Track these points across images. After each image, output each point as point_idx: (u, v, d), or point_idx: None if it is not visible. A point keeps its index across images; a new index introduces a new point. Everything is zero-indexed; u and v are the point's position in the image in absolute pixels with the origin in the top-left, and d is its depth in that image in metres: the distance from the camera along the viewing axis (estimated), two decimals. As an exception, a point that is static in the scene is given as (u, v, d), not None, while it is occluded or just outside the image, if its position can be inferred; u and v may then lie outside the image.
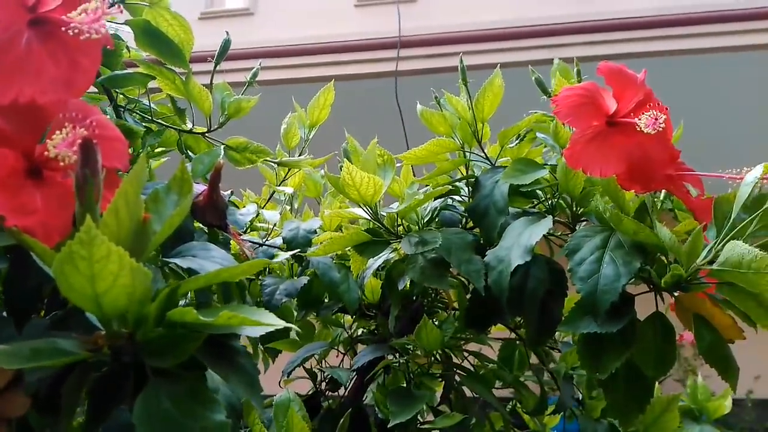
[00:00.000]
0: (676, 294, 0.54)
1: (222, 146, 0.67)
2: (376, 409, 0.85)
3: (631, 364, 0.56)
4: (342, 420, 0.66)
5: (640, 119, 0.51)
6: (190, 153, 0.70)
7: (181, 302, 0.51)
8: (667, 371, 0.54)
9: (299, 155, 0.92)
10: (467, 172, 0.78)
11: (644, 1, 3.05)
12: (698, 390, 1.07)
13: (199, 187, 0.53)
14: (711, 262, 0.49)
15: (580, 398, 0.92)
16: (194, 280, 0.41)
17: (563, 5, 3.12)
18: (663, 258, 0.54)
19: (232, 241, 0.86)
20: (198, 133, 0.68)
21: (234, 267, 0.41)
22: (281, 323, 0.39)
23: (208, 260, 0.49)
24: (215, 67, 0.66)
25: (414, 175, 0.84)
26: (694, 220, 0.57)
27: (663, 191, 0.66)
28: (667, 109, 0.56)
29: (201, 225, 0.57)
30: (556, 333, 0.97)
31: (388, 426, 0.71)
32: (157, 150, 0.71)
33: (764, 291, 0.45)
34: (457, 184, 0.77)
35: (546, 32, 3.04)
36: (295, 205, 1.10)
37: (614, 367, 0.54)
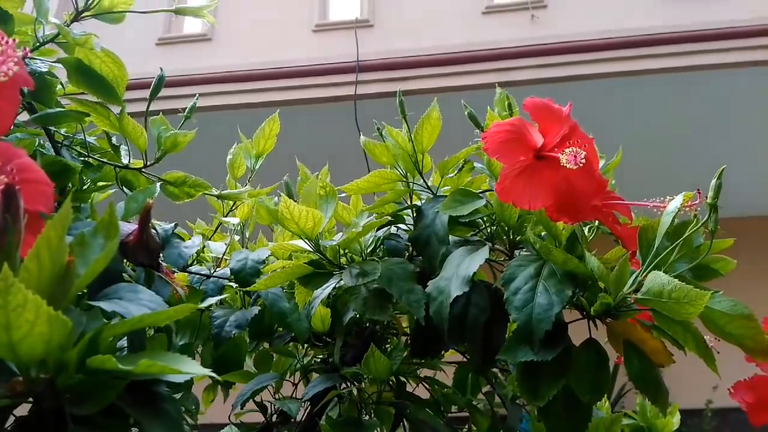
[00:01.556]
0: (607, 321, 0.56)
1: (158, 182, 0.67)
2: (325, 440, 0.84)
3: (568, 391, 0.57)
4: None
5: (562, 155, 0.53)
6: (126, 189, 0.69)
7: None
8: (601, 397, 0.55)
9: (246, 185, 0.91)
10: (411, 202, 0.79)
11: (589, 25, 3.15)
12: (647, 408, 1.09)
13: (130, 227, 0.53)
14: (636, 291, 0.51)
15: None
16: (118, 325, 0.40)
17: (514, 29, 3.20)
18: (593, 285, 0.56)
19: (177, 276, 0.85)
20: (135, 169, 0.67)
21: (158, 312, 0.41)
22: (202, 371, 0.38)
23: (135, 303, 0.48)
24: (149, 102, 0.66)
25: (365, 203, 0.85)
26: (621, 248, 0.59)
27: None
28: (592, 140, 0.58)
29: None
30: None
31: (335, 458, 0.71)
32: (99, 184, 0.70)
33: (685, 318, 0.47)
34: (401, 213, 0.78)
35: (497, 56, 3.11)
36: (247, 234, 1.09)
37: (551, 395, 0.55)
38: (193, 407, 1.16)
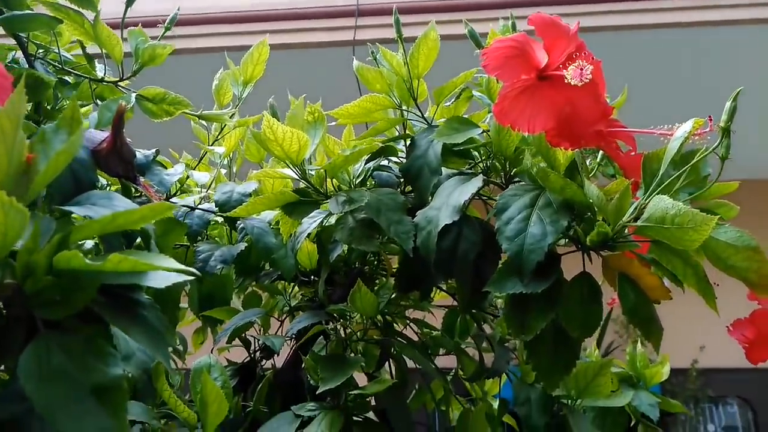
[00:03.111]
0: (603, 253, 0.53)
1: (132, 93, 0.63)
2: (308, 375, 0.82)
3: (557, 327, 0.55)
4: (260, 385, 0.63)
5: (567, 70, 0.49)
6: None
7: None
8: (592, 333, 0.53)
9: (232, 114, 0.87)
10: (405, 131, 0.75)
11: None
12: (637, 357, 1.08)
13: (102, 134, 0.49)
14: (636, 219, 0.48)
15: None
16: (87, 225, 0.37)
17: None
18: (592, 217, 0.53)
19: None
20: (111, 82, 0.63)
21: (131, 211, 0.38)
22: (178, 266, 0.36)
23: (108, 208, 0.45)
24: (126, 9, 0.61)
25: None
26: (624, 178, 0.55)
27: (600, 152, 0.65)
28: (599, 62, 0.54)
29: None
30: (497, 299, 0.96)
31: (317, 392, 0.69)
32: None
33: (688, 247, 0.44)
34: (393, 144, 0.74)
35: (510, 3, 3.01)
36: (234, 169, 1.05)
37: (539, 328, 0.53)
38: (181, 348, 1.14)
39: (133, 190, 0.58)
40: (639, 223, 0.46)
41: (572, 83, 0.48)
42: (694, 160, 0.47)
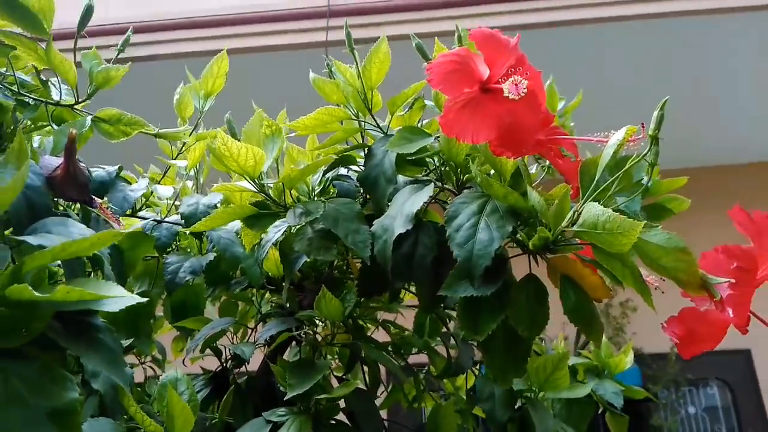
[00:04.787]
0: (547, 256, 0.56)
1: (88, 117, 0.64)
2: (277, 381, 0.84)
3: (508, 326, 0.57)
4: (225, 397, 0.65)
5: (504, 85, 0.51)
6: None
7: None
8: (540, 331, 0.56)
9: (195, 126, 0.88)
10: (363, 141, 0.77)
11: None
12: (602, 348, 1.11)
13: (56, 160, 0.50)
14: (574, 224, 0.50)
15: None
16: (39, 255, 0.38)
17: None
18: (535, 222, 0.55)
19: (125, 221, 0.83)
20: (66, 106, 0.64)
21: (81, 240, 0.39)
22: (125, 294, 0.37)
23: (63, 236, 0.46)
24: (77, 34, 0.62)
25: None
26: (566, 183, 0.58)
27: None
28: (539, 73, 0.56)
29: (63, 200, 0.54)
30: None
31: (285, 398, 0.71)
32: (29, 126, 0.67)
33: (619, 250, 0.47)
34: (353, 153, 0.76)
35: (475, 1, 3.04)
36: (201, 180, 1.07)
37: (491, 329, 0.55)
38: (160, 357, 1.15)
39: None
40: (575, 228, 0.48)
41: (510, 98, 0.51)
42: (626, 167, 0.49)
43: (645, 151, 0.49)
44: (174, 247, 0.98)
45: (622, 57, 3.32)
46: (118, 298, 0.36)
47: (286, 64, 3.31)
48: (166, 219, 0.94)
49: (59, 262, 0.59)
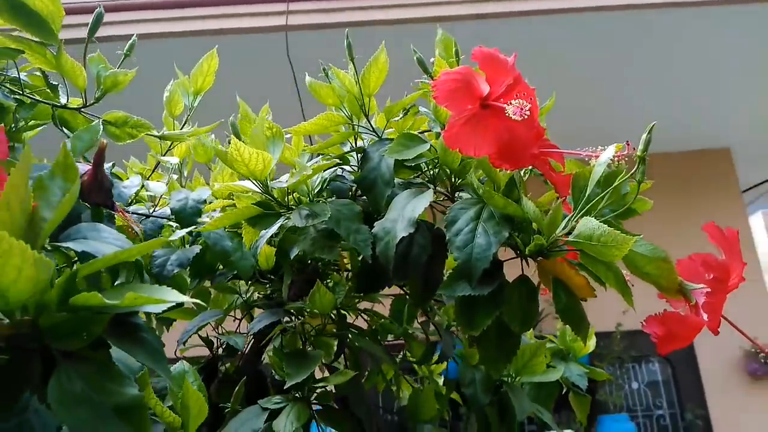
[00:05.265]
0: (539, 259, 0.61)
1: (100, 121, 0.65)
2: (273, 370, 0.88)
3: (500, 322, 0.62)
4: (237, 387, 0.68)
5: (509, 106, 0.56)
6: (65, 129, 0.67)
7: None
8: (530, 327, 0.61)
9: (184, 123, 0.90)
10: (356, 143, 0.81)
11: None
12: (566, 333, 1.19)
13: (83, 167, 0.52)
14: (569, 233, 0.56)
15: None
16: (93, 263, 0.41)
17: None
18: (529, 228, 0.61)
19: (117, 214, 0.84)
20: (74, 108, 0.65)
21: (131, 249, 0.42)
22: (185, 299, 0.41)
23: (100, 241, 0.49)
24: (88, 39, 0.63)
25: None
26: (554, 192, 0.63)
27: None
28: (533, 90, 0.61)
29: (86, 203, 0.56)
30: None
31: (285, 387, 0.75)
32: (30, 123, 0.68)
33: (611, 260, 0.53)
34: (346, 155, 0.80)
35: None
36: (185, 173, 1.08)
37: (485, 325, 0.60)
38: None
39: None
40: (570, 238, 0.54)
41: (513, 119, 0.55)
42: (615, 183, 0.55)
43: (633, 170, 0.55)
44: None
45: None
46: (173, 302, 0.39)
47: (246, 46, 3.27)
48: (154, 213, 0.95)
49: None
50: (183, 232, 0.66)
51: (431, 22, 2.96)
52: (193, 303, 1.15)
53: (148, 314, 1.02)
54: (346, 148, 0.82)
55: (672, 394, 4.90)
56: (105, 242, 0.47)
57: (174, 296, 0.39)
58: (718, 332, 0.50)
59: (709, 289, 0.50)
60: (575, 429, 4.37)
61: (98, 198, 0.53)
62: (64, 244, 0.46)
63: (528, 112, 0.55)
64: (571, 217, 0.56)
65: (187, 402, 0.60)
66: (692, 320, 0.51)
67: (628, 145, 0.56)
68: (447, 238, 0.61)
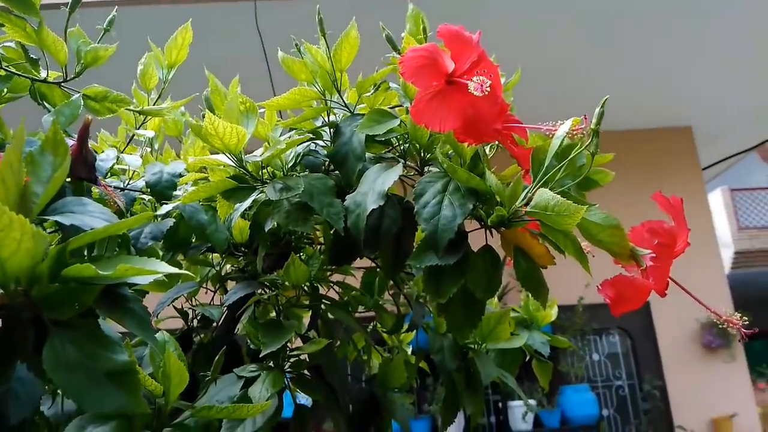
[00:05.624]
0: (501, 230, 0.65)
1: (80, 95, 0.66)
2: (248, 340, 0.91)
3: (465, 290, 0.66)
4: (217, 357, 0.71)
5: (471, 82, 0.59)
6: (45, 103, 0.68)
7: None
8: (494, 294, 0.65)
9: (158, 97, 0.91)
10: (328, 118, 0.83)
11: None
12: (530, 303, 1.24)
13: (68, 142, 0.54)
14: (527, 204, 0.59)
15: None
16: (83, 236, 0.43)
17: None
18: (492, 200, 0.64)
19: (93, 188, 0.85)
20: (55, 83, 0.66)
21: (120, 223, 0.44)
22: (174, 270, 0.43)
23: (87, 215, 0.50)
24: (69, 17, 0.64)
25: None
26: (517, 166, 0.67)
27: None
28: (497, 67, 0.64)
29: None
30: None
31: (260, 356, 0.78)
32: (6, 95, 0.68)
33: (565, 228, 0.56)
34: (319, 129, 0.82)
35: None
36: (156, 146, 1.08)
37: (452, 293, 0.64)
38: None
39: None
40: (528, 208, 0.57)
41: (475, 94, 0.58)
42: (571, 156, 0.58)
43: (587, 142, 0.58)
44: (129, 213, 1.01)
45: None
46: (163, 273, 0.41)
47: (216, 15, 3.23)
48: (128, 186, 0.96)
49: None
50: (169, 207, 0.68)
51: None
52: (167, 275, 1.17)
53: (138, 292, 1.04)
54: (319, 123, 0.84)
55: (631, 366, 5.09)
56: (92, 216, 0.49)
57: (164, 268, 0.41)
58: (665, 294, 0.54)
59: (655, 254, 0.54)
60: (537, 399, 4.51)
61: (82, 172, 0.54)
62: (52, 217, 0.47)
63: (489, 89, 0.58)
64: (530, 188, 0.60)
65: (168, 370, 0.62)
66: (642, 283, 0.55)
67: (585, 119, 0.60)
68: (415, 210, 0.64)
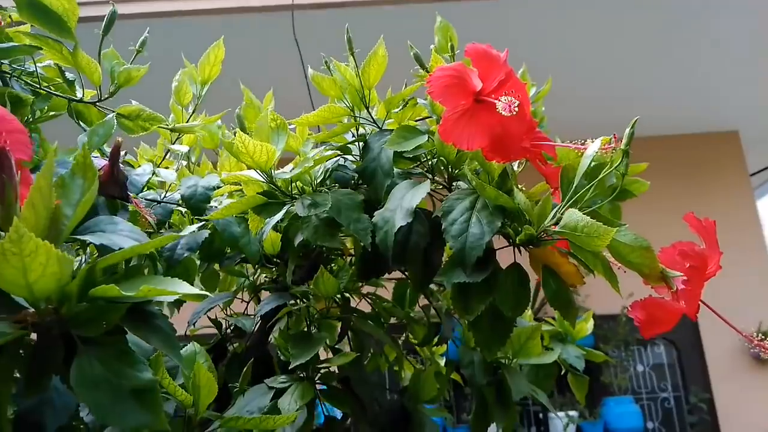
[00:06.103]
0: (530, 248, 0.64)
1: (114, 115, 0.68)
2: (278, 351, 0.92)
3: (493, 307, 0.66)
4: (245, 368, 0.72)
5: (499, 101, 0.58)
6: (81, 122, 0.70)
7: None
8: (522, 312, 0.64)
9: (192, 112, 0.93)
10: (357, 134, 0.83)
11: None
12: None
13: (99, 162, 0.56)
14: (556, 223, 0.59)
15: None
16: (111, 257, 0.44)
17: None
18: (520, 217, 0.63)
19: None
20: (90, 102, 0.68)
21: (146, 244, 0.46)
22: (193, 290, 0.44)
23: (117, 234, 0.52)
24: (102, 38, 0.66)
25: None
26: (546, 183, 0.66)
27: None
28: (524, 85, 0.63)
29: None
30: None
31: (289, 368, 0.79)
32: (46, 114, 0.71)
33: (595, 249, 0.55)
34: (348, 145, 0.82)
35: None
36: (193, 158, 1.11)
37: (480, 310, 0.64)
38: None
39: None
40: (557, 228, 0.57)
41: (503, 114, 0.58)
42: (601, 176, 0.57)
43: (617, 163, 0.57)
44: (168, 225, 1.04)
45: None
46: (182, 294, 0.42)
47: (252, 25, 3.28)
48: (164, 199, 0.99)
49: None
50: (198, 225, 0.69)
51: (436, 2, 2.95)
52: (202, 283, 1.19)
53: (175, 302, 1.07)
54: (349, 138, 0.85)
55: (677, 377, 4.94)
56: (122, 235, 0.50)
57: (184, 288, 0.42)
58: (696, 318, 0.53)
59: (686, 278, 0.53)
60: (580, 410, 4.42)
61: (114, 192, 0.56)
62: (83, 237, 0.49)
63: (516, 108, 0.58)
64: (559, 207, 0.59)
65: (198, 381, 0.64)
66: (673, 306, 0.54)
67: (615, 137, 0.59)
68: (443, 227, 0.64)
